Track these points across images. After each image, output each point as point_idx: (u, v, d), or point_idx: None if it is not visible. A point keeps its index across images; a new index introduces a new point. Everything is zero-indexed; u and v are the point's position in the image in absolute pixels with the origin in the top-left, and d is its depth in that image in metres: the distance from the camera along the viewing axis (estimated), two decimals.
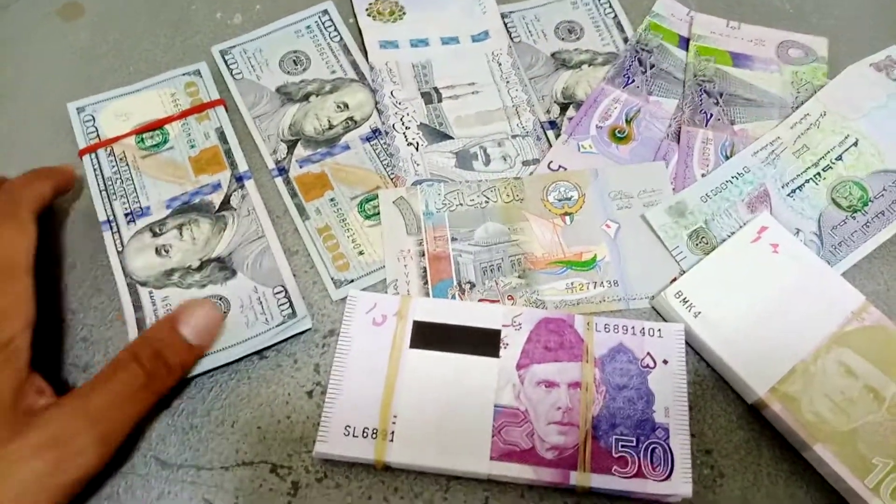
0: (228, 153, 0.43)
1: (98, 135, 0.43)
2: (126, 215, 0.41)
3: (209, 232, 0.40)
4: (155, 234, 0.40)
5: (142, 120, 0.44)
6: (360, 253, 0.40)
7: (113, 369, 0.32)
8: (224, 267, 0.39)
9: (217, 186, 0.41)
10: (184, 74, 0.45)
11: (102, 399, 0.31)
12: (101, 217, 0.41)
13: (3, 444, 0.28)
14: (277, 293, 0.38)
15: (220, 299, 0.38)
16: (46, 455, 0.28)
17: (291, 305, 0.37)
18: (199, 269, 0.39)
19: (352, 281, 0.39)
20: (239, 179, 0.42)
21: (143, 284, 0.38)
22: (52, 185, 0.37)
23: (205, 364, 0.35)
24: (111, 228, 0.40)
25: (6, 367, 0.29)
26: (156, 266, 0.39)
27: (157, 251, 0.39)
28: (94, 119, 0.44)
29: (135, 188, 0.41)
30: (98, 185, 0.42)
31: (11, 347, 0.30)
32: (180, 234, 0.40)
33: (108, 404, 0.31)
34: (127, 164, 0.42)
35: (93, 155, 0.42)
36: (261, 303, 0.38)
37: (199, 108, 0.44)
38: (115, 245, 0.40)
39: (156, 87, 0.45)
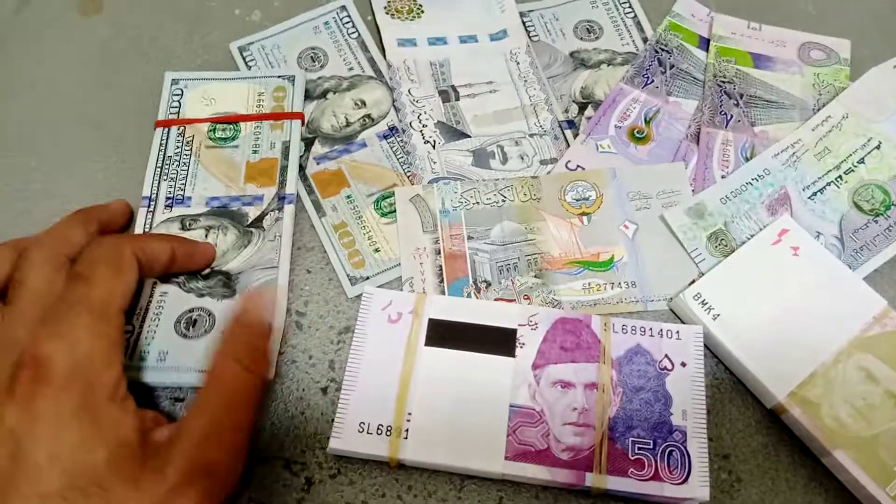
0: (284, 170, 0.41)
1: (179, 112, 0.43)
2: (167, 199, 0.40)
3: (232, 243, 0.39)
4: (184, 227, 0.39)
5: (223, 110, 0.43)
6: (376, 250, 0.40)
7: (223, 383, 0.31)
8: (227, 284, 0.38)
9: (258, 199, 0.40)
10: (279, 77, 0.45)
11: (230, 416, 0.30)
12: (145, 193, 0.40)
13: (150, 493, 0.26)
14: None
15: (209, 315, 0.37)
16: (191, 492, 0.27)
17: None
18: (206, 277, 0.38)
19: (367, 278, 0.39)
20: (281, 199, 0.40)
21: None
22: (170, 251, 0.35)
23: (152, 377, 0.35)
24: (148, 206, 0.40)
25: (125, 412, 0.28)
26: None
27: None
28: (182, 94, 0.44)
29: (186, 175, 0.41)
30: (157, 161, 0.41)
31: (121, 391, 0.29)
32: (206, 235, 0.39)
33: (236, 422, 0.30)
34: (191, 149, 0.42)
35: (164, 130, 0.42)
36: None
37: (277, 116, 0.43)
38: (145, 225, 0.39)
39: (247, 82, 0.44)
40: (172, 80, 0.44)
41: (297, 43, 0.47)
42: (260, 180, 0.41)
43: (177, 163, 0.41)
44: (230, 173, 0.41)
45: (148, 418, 0.30)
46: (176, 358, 0.36)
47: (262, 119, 0.43)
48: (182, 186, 0.41)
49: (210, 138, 0.42)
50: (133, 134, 0.43)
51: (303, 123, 0.43)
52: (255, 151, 0.42)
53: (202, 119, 0.43)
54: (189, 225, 0.40)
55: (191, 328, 0.37)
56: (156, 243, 0.34)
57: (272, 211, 0.40)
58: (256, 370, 0.31)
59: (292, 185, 0.41)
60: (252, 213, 0.40)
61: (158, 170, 0.41)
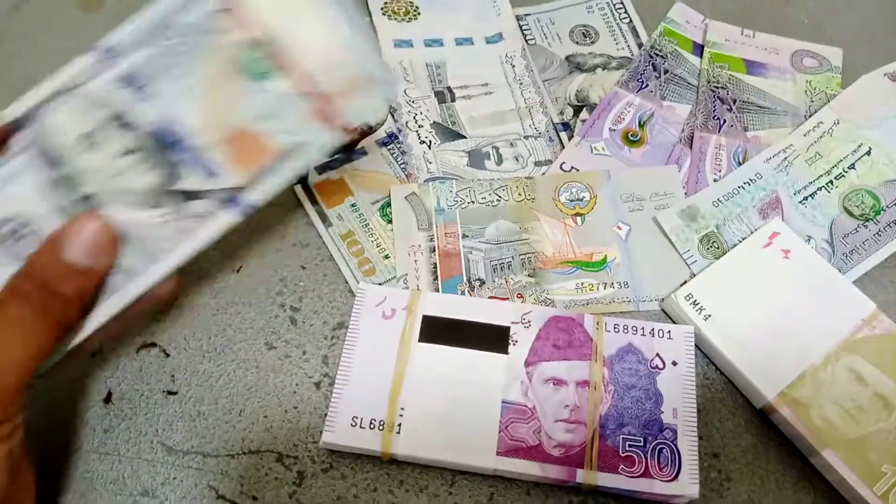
0: (272, 169, 0.28)
1: None
2: (129, 73, 0.28)
3: (141, 190, 0.27)
4: (118, 120, 0.27)
5: (280, 33, 0.28)
6: (386, 257, 0.40)
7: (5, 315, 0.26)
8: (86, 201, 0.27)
9: (214, 175, 0.28)
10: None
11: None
12: (110, 41, 0.28)
13: None
14: None
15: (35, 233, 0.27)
16: None
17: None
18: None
19: (379, 285, 0.39)
20: (232, 198, 0.28)
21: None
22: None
23: None
24: (102, 59, 0.28)
25: None
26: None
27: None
28: None
29: (180, 75, 0.28)
30: (159, 15, 0.29)
31: None
32: (122, 154, 0.27)
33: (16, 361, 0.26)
34: (210, 46, 0.28)
35: None
36: None
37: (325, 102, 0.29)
38: (83, 76, 0.28)
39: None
40: None
41: None
42: (239, 156, 0.28)
43: (182, 46, 0.27)
44: (219, 117, 0.28)
45: None
46: None
47: (308, 94, 0.28)
48: (160, 75, 0.28)
49: (240, 56, 0.28)
50: None
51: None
52: (263, 117, 0.28)
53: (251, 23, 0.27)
54: (125, 123, 0.27)
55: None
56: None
57: (215, 198, 0.28)
58: (47, 309, 0.26)
59: (260, 194, 0.28)
60: (192, 183, 0.27)
61: (151, 26, 0.28)
